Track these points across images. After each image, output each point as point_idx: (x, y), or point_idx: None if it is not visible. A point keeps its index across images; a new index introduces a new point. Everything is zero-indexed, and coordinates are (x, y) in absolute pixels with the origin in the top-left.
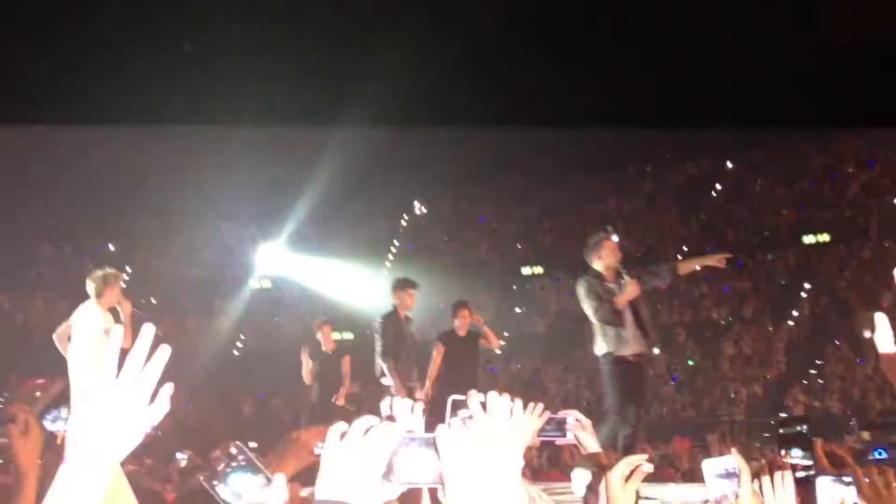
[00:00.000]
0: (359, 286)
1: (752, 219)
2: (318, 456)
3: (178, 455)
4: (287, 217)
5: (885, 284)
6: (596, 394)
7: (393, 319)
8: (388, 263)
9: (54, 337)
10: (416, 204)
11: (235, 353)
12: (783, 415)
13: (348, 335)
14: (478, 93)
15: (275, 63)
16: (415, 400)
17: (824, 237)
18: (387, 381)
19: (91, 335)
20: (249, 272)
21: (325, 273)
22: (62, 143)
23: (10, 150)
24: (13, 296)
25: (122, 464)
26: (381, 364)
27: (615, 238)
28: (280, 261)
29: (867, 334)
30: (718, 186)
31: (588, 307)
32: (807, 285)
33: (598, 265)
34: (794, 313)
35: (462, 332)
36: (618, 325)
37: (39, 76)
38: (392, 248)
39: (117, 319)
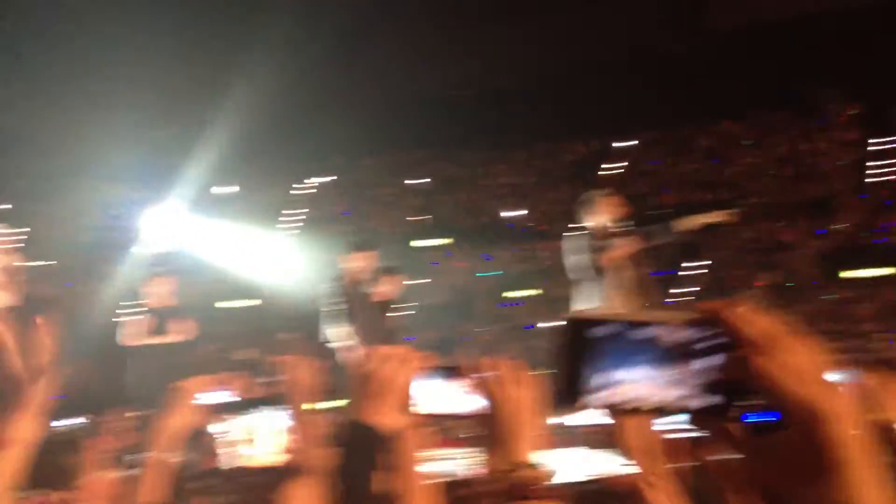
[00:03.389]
0: (254, 254)
1: (639, 198)
2: (201, 406)
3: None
4: (177, 181)
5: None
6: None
7: (338, 284)
8: (283, 231)
9: None
10: (314, 173)
11: (122, 319)
12: None
13: (242, 303)
14: (372, 59)
15: (162, 23)
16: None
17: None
18: (334, 344)
19: None
20: (136, 237)
21: (217, 239)
22: None
23: None
24: None
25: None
26: (326, 329)
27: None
28: (170, 226)
29: None
30: (605, 166)
31: (567, 263)
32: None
33: (589, 221)
34: (672, 291)
35: (375, 298)
36: (595, 283)
37: None
38: (288, 216)
39: None
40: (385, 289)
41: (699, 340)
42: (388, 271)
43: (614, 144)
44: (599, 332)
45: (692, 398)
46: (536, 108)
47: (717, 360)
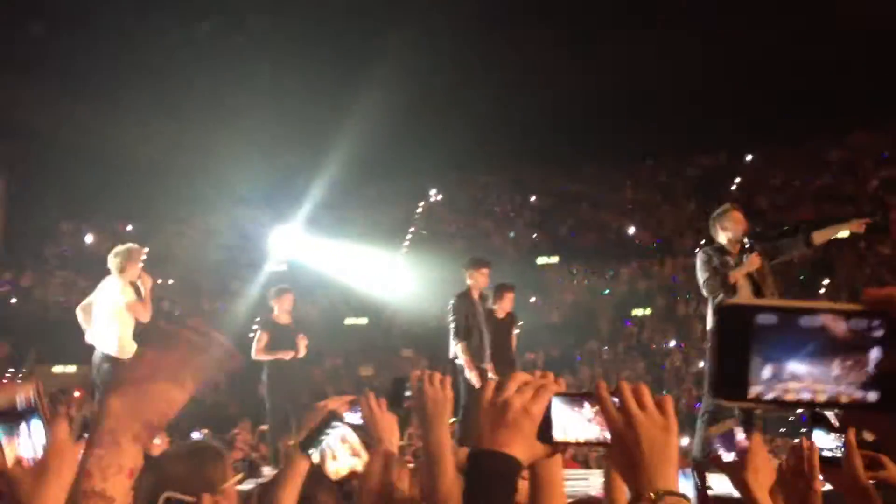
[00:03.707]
0: (374, 271)
1: (771, 213)
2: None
3: (195, 434)
4: (302, 201)
5: None
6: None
7: (465, 299)
8: (403, 249)
9: (78, 311)
10: (432, 191)
11: (251, 335)
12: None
13: (364, 320)
14: (494, 82)
15: (287, 48)
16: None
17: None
18: (459, 361)
19: (113, 307)
20: (265, 256)
21: (340, 257)
22: (85, 125)
23: (32, 133)
24: (34, 274)
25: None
26: (453, 346)
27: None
28: (295, 245)
29: None
30: (738, 179)
31: (699, 279)
32: (825, 281)
33: (721, 237)
34: None
35: (501, 314)
36: (728, 297)
37: (67, 59)
38: (407, 235)
39: (138, 294)
40: (508, 305)
41: (868, 330)
42: (507, 288)
43: (745, 157)
44: (767, 319)
45: (857, 390)
46: (662, 123)
47: (881, 351)
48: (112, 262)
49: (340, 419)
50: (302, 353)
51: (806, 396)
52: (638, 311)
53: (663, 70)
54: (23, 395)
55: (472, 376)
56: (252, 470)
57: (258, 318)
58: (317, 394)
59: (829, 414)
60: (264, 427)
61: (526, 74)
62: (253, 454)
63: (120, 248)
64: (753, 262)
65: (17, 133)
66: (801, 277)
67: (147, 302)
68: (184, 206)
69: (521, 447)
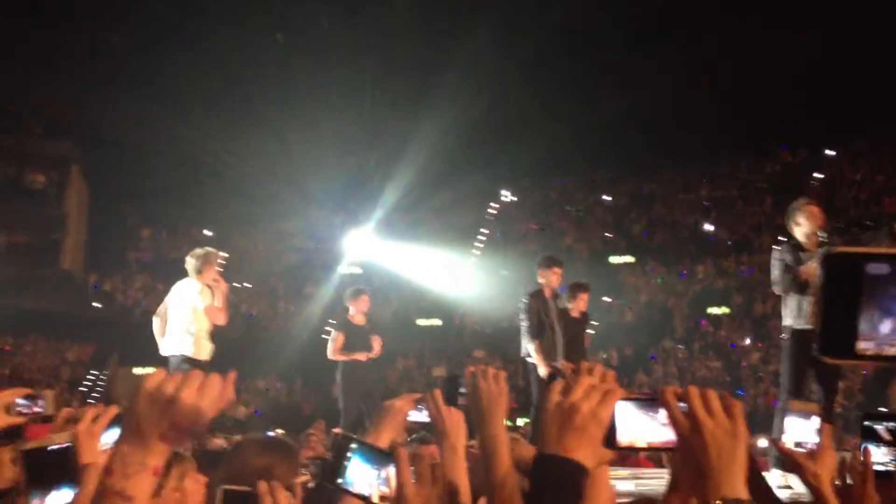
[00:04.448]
0: (447, 273)
1: (853, 208)
2: (412, 422)
3: (270, 433)
4: (375, 204)
5: None
6: (685, 384)
7: (538, 298)
8: (475, 251)
9: (154, 318)
10: (505, 192)
11: (325, 337)
12: (881, 409)
13: (436, 321)
14: (567, 81)
15: (363, 52)
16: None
17: None
18: (532, 360)
19: (191, 308)
20: (338, 258)
21: (413, 259)
22: (164, 134)
23: (114, 141)
24: (114, 278)
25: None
26: (526, 344)
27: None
28: (369, 247)
29: None
30: (817, 175)
31: (772, 276)
32: None
33: (797, 232)
34: None
35: (575, 314)
36: (800, 295)
37: (148, 71)
38: (480, 236)
39: (213, 296)
40: (582, 305)
41: None
42: (583, 288)
43: (825, 152)
44: (878, 269)
45: None
46: (739, 119)
47: None
48: (189, 264)
49: (355, 442)
50: (376, 353)
51: None
52: (714, 310)
53: (741, 67)
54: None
55: (544, 373)
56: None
57: (333, 319)
58: (389, 394)
59: (880, 427)
60: (338, 429)
61: (600, 76)
62: (327, 454)
63: (198, 250)
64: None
65: (102, 144)
66: None
67: (223, 306)
68: (258, 210)
69: (588, 452)
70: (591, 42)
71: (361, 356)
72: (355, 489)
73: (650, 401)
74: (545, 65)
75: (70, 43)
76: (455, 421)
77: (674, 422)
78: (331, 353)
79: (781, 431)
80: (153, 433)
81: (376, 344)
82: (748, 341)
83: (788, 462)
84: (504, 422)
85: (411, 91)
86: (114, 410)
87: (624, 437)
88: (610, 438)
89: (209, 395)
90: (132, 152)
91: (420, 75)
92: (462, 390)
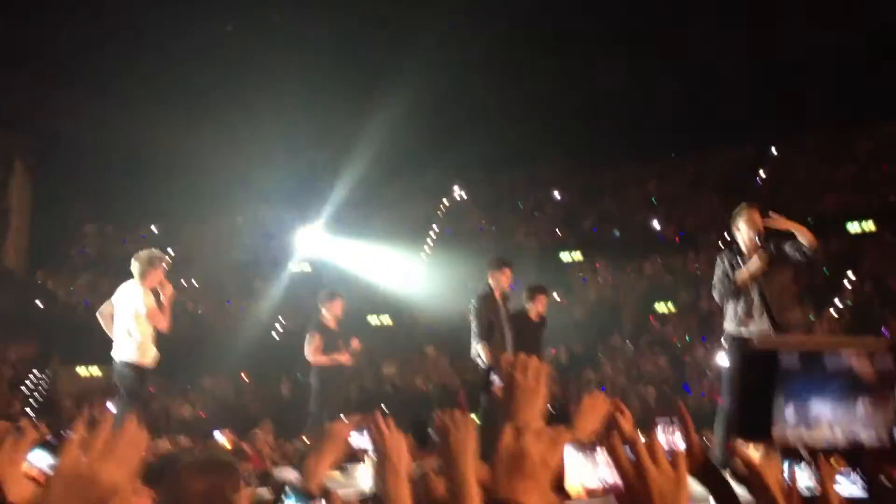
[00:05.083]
0: (397, 269)
1: (796, 205)
2: (356, 449)
3: (216, 433)
4: (326, 200)
5: None
6: (632, 382)
7: (488, 300)
8: (426, 248)
9: (98, 314)
10: (455, 188)
11: (275, 335)
12: None
13: (387, 318)
14: (518, 77)
15: (314, 47)
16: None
17: (869, 225)
18: (481, 362)
19: (133, 314)
20: (288, 255)
21: (363, 256)
22: (109, 127)
23: (58, 134)
24: (57, 275)
25: (158, 442)
26: (475, 346)
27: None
28: (319, 244)
29: None
30: (762, 173)
31: (713, 282)
32: (850, 274)
33: (738, 237)
34: (837, 303)
35: (533, 315)
36: (737, 300)
37: (91, 61)
38: (430, 233)
39: (158, 300)
40: (541, 307)
41: (894, 369)
42: (541, 290)
43: (771, 149)
44: (791, 360)
45: (883, 432)
46: (687, 115)
47: None
48: (133, 267)
49: (290, 489)
50: (353, 357)
51: (830, 438)
52: (661, 306)
53: (687, 65)
54: None
55: (495, 377)
56: (264, 479)
57: (311, 321)
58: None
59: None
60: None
61: (550, 73)
62: (273, 455)
63: (142, 253)
64: (756, 263)
65: (43, 135)
66: (825, 270)
67: (167, 310)
68: (207, 205)
69: (537, 498)
70: (542, 38)
71: (343, 358)
72: None
73: (586, 446)
74: (496, 60)
75: (18, 35)
76: (397, 444)
77: (619, 468)
78: (310, 354)
79: (725, 446)
80: None
81: (356, 343)
82: (693, 338)
83: (740, 467)
84: (473, 465)
85: (362, 86)
86: (33, 436)
87: (572, 482)
88: (559, 483)
89: (129, 466)
90: (77, 147)
91: (371, 71)
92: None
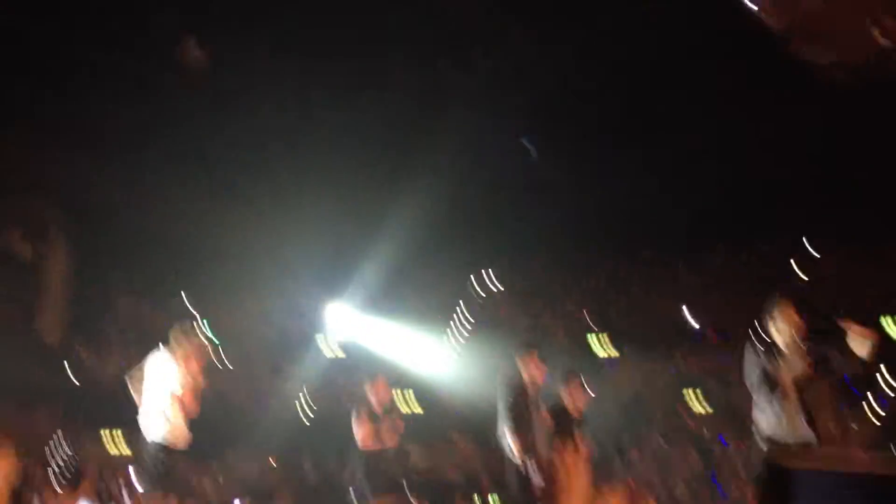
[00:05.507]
0: (426, 353)
1: (832, 303)
2: None
3: (236, 501)
4: (356, 281)
5: None
6: (668, 480)
7: (516, 386)
8: (455, 332)
9: (127, 378)
10: (486, 273)
11: (306, 422)
12: None
13: (418, 409)
14: (546, 166)
15: (343, 131)
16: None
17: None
18: (508, 450)
19: (170, 393)
20: (318, 335)
21: (395, 340)
22: (146, 204)
23: (93, 207)
24: (91, 347)
25: None
26: (501, 425)
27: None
28: (350, 325)
29: None
30: (797, 270)
31: (747, 380)
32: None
33: (775, 335)
34: (873, 401)
35: (572, 410)
36: (776, 401)
37: (129, 140)
38: (461, 318)
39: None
40: (580, 401)
41: None
42: (579, 381)
43: (808, 247)
44: (809, 479)
45: None
46: (720, 209)
47: None
48: (172, 342)
49: None
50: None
51: None
52: (693, 402)
53: (726, 156)
54: None
55: (518, 462)
56: None
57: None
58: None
59: None
60: None
61: (581, 161)
62: None
63: (176, 326)
64: (798, 366)
65: (81, 211)
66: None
67: (196, 396)
68: (238, 283)
69: None
70: (569, 129)
71: (390, 441)
72: None
73: None
74: (525, 152)
75: (55, 107)
76: None
77: None
78: (361, 440)
79: None
80: None
81: (398, 429)
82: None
83: None
84: None
85: (392, 168)
86: None
87: None
88: None
89: None
90: (112, 221)
91: (401, 152)
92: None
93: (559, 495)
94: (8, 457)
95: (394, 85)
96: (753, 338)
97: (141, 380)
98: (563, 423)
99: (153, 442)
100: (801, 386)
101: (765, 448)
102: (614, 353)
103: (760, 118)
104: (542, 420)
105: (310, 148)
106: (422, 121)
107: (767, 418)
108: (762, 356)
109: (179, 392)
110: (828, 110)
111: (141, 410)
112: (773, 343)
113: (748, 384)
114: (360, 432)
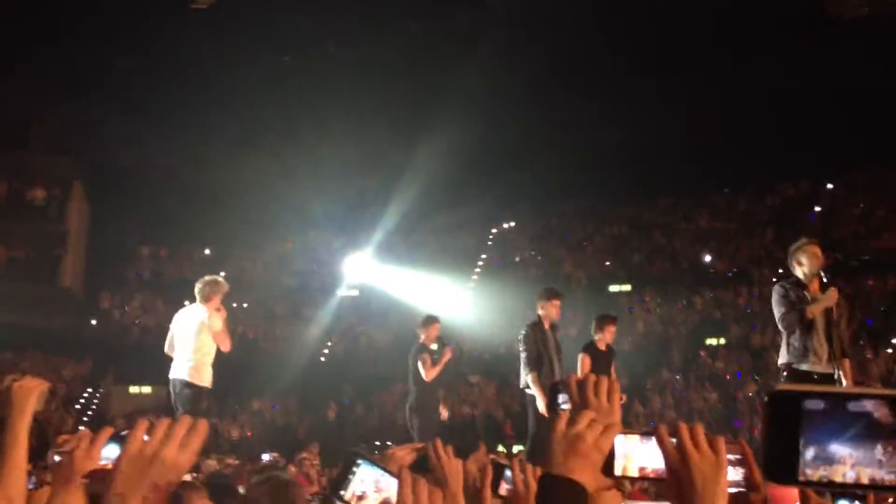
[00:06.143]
0: (445, 297)
1: (852, 242)
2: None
3: (265, 455)
4: (375, 227)
5: None
6: (682, 415)
7: (537, 329)
8: (474, 276)
9: (166, 349)
10: (503, 219)
11: (322, 359)
12: None
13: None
14: (568, 110)
15: (364, 78)
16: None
17: None
18: (530, 391)
19: (196, 333)
20: (337, 281)
21: (411, 283)
22: (164, 155)
23: (116, 160)
24: (113, 295)
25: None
26: (525, 376)
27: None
28: (368, 270)
29: None
30: (817, 209)
31: (776, 313)
32: None
33: (798, 271)
34: (894, 341)
35: (602, 346)
36: (803, 334)
37: (148, 93)
38: (479, 262)
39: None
40: (609, 337)
41: None
42: (610, 319)
43: (827, 185)
44: (815, 404)
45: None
46: (740, 151)
47: None
48: (198, 290)
49: (362, 458)
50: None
51: (851, 478)
52: (712, 341)
53: (742, 99)
54: None
55: (542, 408)
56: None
57: (413, 347)
58: (386, 418)
59: None
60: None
61: (601, 105)
62: (321, 478)
63: (207, 278)
64: (832, 297)
65: (101, 163)
66: (883, 309)
67: (224, 332)
68: (258, 231)
69: (589, 477)
70: (591, 70)
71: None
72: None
73: (645, 435)
74: (545, 92)
75: (78, 62)
76: (455, 469)
77: (665, 454)
78: (427, 376)
79: None
80: (135, 497)
81: (447, 354)
82: (745, 374)
83: None
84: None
85: (411, 116)
86: (108, 431)
87: (620, 467)
88: (608, 467)
89: (190, 450)
90: (134, 173)
91: (420, 101)
92: (561, 400)
93: (576, 423)
94: (41, 385)
95: (415, 24)
96: (779, 276)
97: (172, 341)
98: (594, 356)
99: (180, 380)
100: (828, 321)
101: (783, 380)
102: (634, 299)
103: (790, 62)
104: (583, 362)
105: (330, 92)
106: (442, 70)
107: (795, 352)
108: (790, 291)
109: (217, 327)
110: (853, 53)
111: (174, 355)
112: (797, 278)
113: (778, 318)
114: (423, 368)
